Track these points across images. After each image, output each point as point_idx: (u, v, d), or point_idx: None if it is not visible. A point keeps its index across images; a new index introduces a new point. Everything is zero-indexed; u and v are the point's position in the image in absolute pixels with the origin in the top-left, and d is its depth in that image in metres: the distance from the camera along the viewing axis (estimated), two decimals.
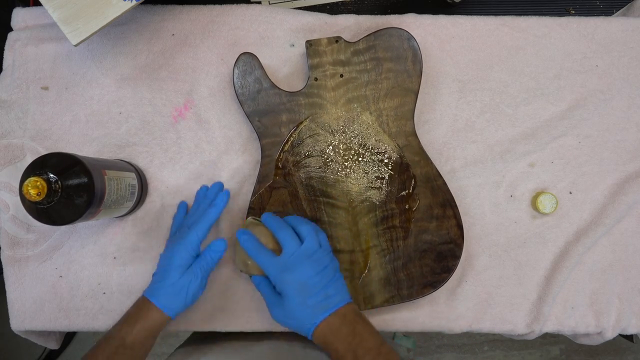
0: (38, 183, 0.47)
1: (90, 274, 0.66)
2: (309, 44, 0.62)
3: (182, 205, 0.65)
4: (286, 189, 0.63)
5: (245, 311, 0.66)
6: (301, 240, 0.55)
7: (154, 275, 0.59)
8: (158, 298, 0.56)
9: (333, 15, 0.68)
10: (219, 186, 0.66)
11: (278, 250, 0.56)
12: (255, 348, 0.65)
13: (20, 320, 0.66)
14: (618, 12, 0.78)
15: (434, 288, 0.63)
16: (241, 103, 0.62)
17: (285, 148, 0.63)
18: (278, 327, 0.65)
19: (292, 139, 0.63)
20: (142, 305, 0.56)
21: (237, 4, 0.68)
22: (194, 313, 0.65)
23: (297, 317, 0.53)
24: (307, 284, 0.53)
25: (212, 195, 0.64)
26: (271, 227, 0.57)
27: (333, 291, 0.54)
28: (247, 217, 0.62)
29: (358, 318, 0.53)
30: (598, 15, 0.75)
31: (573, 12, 0.80)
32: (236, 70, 0.63)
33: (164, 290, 0.56)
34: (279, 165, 0.63)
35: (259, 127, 0.62)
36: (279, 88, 0.62)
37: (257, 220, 0.60)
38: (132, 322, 0.55)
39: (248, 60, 0.64)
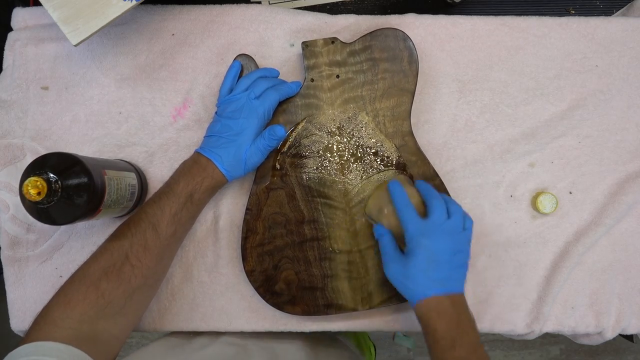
0: (38, 183, 0.47)
1: None
2: (305, 44, 0.62)
3: (237, 64, 0.63)
4: (283, 189, 0.63)
5: (245, 311, 0.66)
6: (449, 215, 0.56)
7: (211, 136, 0.59)
8: (222, 162, 0.57)
9: (333, 15, 0.68)
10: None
11: (422, 215, 0.57)
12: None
13: (20, 320, 0.66)
14: (618, 12, 0.78)
15: None
16: None
17: (282, 149, 0.63)
18: (277, 327, 0.65)
19: (289, 140, 0.63)
20: (205, 165, 0.57)
21: (237, 4, 0.68)
22: (194, 313, 0.65)
23: (414, 282, 0.54)
24: (439, 258, 0.54)
25: (274, 72, 0.63)
26: (424, 193, 0.58)
27: (456, 276, 0.55)
28: (245, 217, 0.62)
29: (466, 309, 0.54)
30: (598, 15, 0.75)
31: (573, 12, 0.80)
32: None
33: (229, 157, 0.57)
34: (276, 166, 0.63)
35: None
36: None
37: (410, 181, 0.61)
38: (199, 180, 0.57)
39: (245, 62, 0.64)
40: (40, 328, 0.47)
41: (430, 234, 0.54)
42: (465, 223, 0.57)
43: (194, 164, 0.58)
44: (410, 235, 0.55)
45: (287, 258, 0.62)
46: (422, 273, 0.53)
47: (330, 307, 0.62)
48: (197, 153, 0.59)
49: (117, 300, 0.51)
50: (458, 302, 0.54)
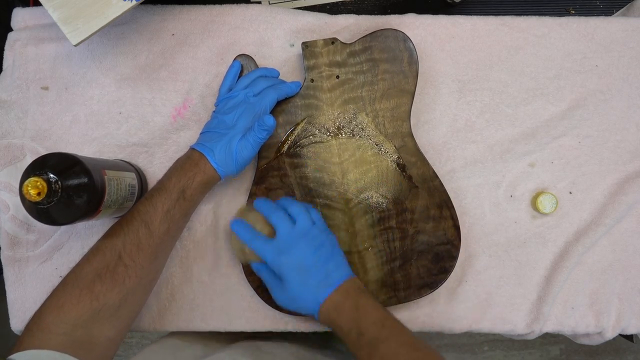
0: (38, 183, 0.47)
1: None
2: (305, 45, 0.62)
3: (237, 64, 0.63)
4: (282, 190, 0.63)
5: (245, 311, 0.66)
6: (294, 221, 0.55)
7: (206, 132, 0.59)
8: (214, 156, 0.56)
9: (333, 15, 0.68)
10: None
11: (274, 234, 0.56)
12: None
13: (20, 320, 0.66)
14: (618, 12, 0.78)
15: (431, 289, 0.63)
16: None
17: (282, 150, 0.63)
18: (277, 327, 0.65)
19: (288, 140, 0.63)
20: (197, 160, 0.57)
21: (237, 4, 0.68)
22: (194, 313, 0.65)
23: (301, 298, 0.53)
24: (305, 264, 0.53)
25: (274, 72, 0.63)
26: (263, 212, 0.57)
27: (333, 267, 0.54)
28: None
29: (360, 292, 0.53)
30: (598, 15, 0.75)
31: (573, 12, 0.80)
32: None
33: (220, 151, 0.56)
34: (275, 166, 0.63)
35: None
36: None
37: (251, 206, 0.60)
38: (191, 175, 0.56)
39: (245, 62, 0.64)
40: (33, 334, 0.46)
41: (286, 249, 0.54)
42: (312, 216, 0.56)
43: (186, 160, 0.57)
44: (271, 262, 0.54)
45: None
46: (302, 288, 0.53)
47: None
48: (190, 149, 0.59)
49: (112, 303, 0.50)
50: (350, 289, 0.53)
